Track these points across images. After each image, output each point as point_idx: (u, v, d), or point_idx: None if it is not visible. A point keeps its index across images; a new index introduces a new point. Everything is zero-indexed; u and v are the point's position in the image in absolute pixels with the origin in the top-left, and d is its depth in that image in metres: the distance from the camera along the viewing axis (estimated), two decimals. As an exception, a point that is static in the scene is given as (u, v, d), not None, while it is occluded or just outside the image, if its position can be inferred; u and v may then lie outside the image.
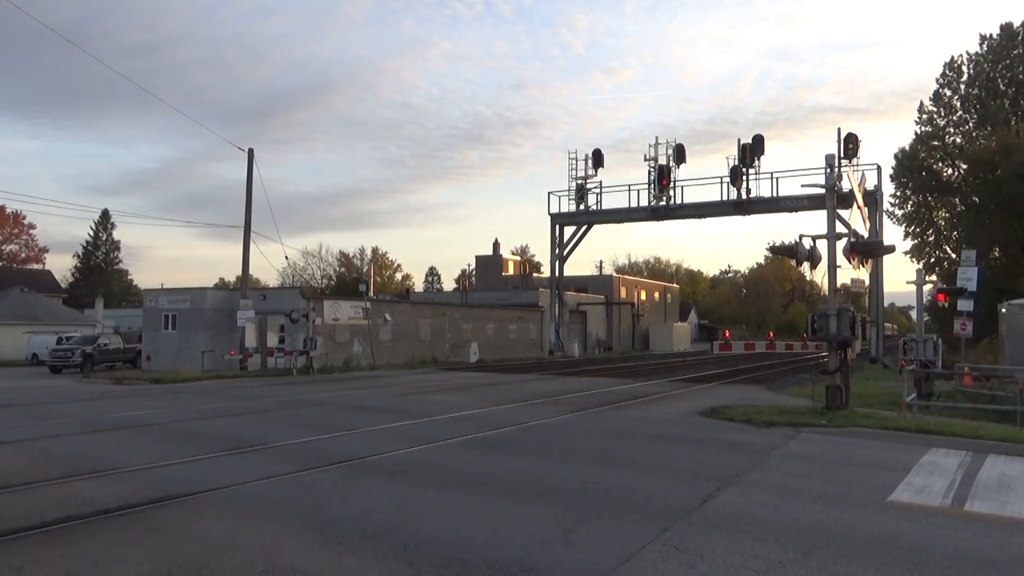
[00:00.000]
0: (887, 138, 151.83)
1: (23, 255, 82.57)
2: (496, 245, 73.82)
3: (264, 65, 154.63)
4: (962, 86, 48.38)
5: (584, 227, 44.22)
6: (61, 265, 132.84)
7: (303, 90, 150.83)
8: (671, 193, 40.34)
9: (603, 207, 42.87)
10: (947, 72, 48.73)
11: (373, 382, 24.64)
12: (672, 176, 40.23)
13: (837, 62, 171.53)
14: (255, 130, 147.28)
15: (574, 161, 42.65)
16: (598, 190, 42.56)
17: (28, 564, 5.58)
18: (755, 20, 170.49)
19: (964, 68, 48.22)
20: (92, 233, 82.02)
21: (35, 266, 79.50)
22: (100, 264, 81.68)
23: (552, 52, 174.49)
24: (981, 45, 47.59)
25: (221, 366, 31.27)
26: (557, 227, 44.11)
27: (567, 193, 43.04)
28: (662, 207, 40.63)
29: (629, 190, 41.71)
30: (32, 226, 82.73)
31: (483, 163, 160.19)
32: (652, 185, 40.49)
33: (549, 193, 43.72)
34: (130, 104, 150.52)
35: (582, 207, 42.88)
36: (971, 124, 48.21)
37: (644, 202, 41.02)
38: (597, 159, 42.38)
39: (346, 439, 11.89)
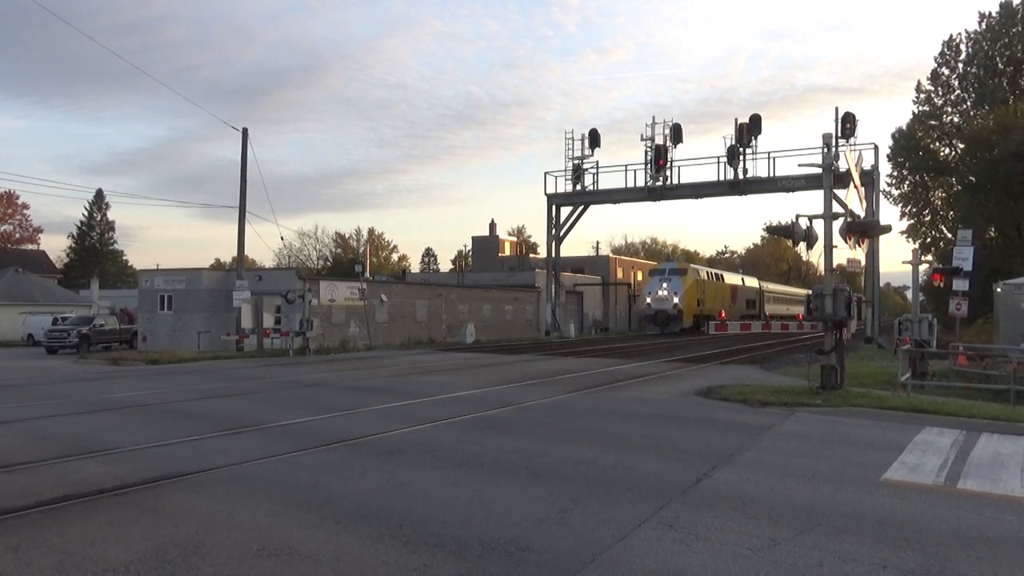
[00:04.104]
0: (881, 117, 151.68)
1: (17, 235, 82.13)
2: (492, 226, 73.67)
3: (255, 44, 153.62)
4: (960, 65, 48.17)
5: (581, 207, 44.15)
6: (56, 246, 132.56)
7: (294, 69, 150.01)
8: (668, 173, 40.29)
9: (600, 187, 42.79)
10: (945, 51, 48.49)
11: (369, 363, 24.67)
12: (669, 156, 40.12)
13: (830, 41, 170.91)
14: (247, 110, 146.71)
15: (570, 141, 42.51)
16: (595, 170, 42.51)
17: (25, 543, 5.58)
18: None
19: (962, 47, 47.99)
20: (87, 213, 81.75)
21: (30, 246, 79.10)
22: (95, 245, 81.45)
23: (544, 32, 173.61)
24: (980, 23, 47.34)
25: (218, 347, 31.27)
26: (554, 207, 44.03)
27: (563, 173, 42.95)
28: (659, 187, 40.56)
29: (626, 170, 41.67)
30: (26, 206, 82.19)
31: (477, 143, 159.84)
32: (649, 165, 40.42)
33: (546, 173, 43.65)
34: (121, 83, 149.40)
35: (579, 187, 42.81)
36: (969, 103, 48.07)
37: (641, 182, 40.98)
38: (593, 139, 42.26)
39: (342, 419, 11.91)
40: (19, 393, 16.44)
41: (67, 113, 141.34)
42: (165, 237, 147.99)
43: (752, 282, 66.50)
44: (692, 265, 55.26)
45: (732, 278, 61.56)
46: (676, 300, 47.65)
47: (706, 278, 53.69)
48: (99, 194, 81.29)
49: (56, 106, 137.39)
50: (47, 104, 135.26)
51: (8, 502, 6.70)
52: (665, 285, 48.39)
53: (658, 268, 53.50)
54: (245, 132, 32.24)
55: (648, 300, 49.40)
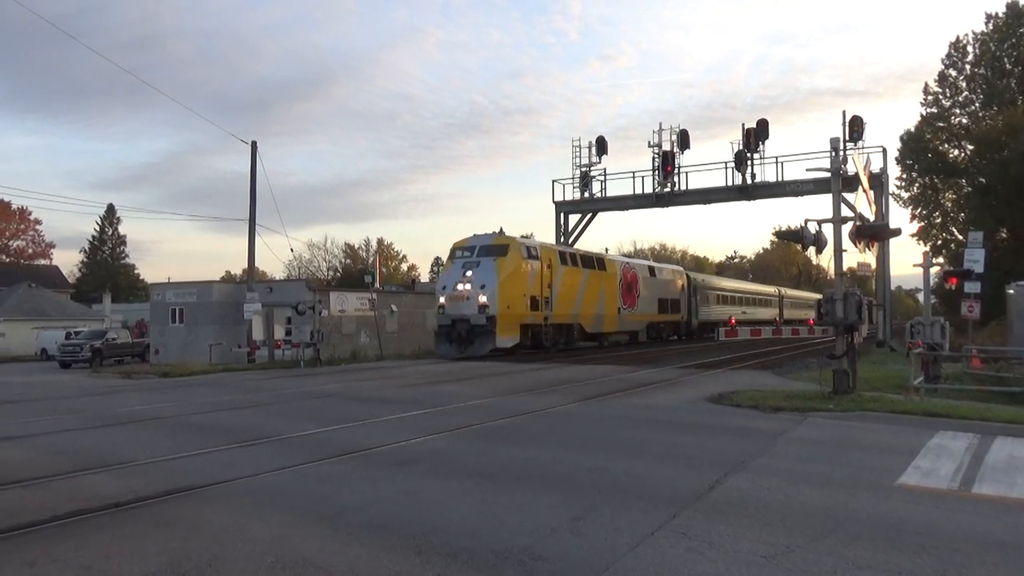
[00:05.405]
0: (887, 120, 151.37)
1: (30, 251, 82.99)
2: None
3: (261, 57, 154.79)
4: (967, 66, 48.06)
5: (589, 215, 44.15)
6: (68, 260, 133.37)
7: (300, 82, 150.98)
8: (675, 179, 40.26)
9: (607, 194, 42.80)
10: (952, 52, 48.42)
11: (380, 373, 24.69)
12: (676, 162, 40.13)
13: (833, 45, 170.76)
14: (254, 123, 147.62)
15: (577, 148, 42.54)
16: (602, 177, 42.48)
17: (40, 558, 5.62)
18: (749, 3, 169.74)
19: (969, 48, 47.88)
20: (98, 228, 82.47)
21: (42, 261, 79.87)
22: (107, 259, 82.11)
23: (547, 40, 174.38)
24: (987, 24, 47.30)
25: (229, 359, 31.41)
26: (562, 215, 44.04)
27: (571, 181, 42.97)
28: (667, 193, 40.54)
29: (633, 177, 41.61)
30: (38, 222, 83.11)
31: (483, 152, 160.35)
32: (656, 171, 40.40)
33: (553, 181, 43.56)
34: (128, 99, 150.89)
35: (586, 195, 42.80)
36: (977, 104, 47.94)
37: (648, 189, 40.96)
38: (600, 146, 42.27)
39: (354, 430, 11.93)
40: (33, 408, 16.55)
41: (76, 129, 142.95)
42: (176, 250, 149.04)
43: (673, 274, 47.11)
44: (524, 240, 32.20)
45: (628, 266, 40.50)
46: (484, 299, 28.37)
47: (554, 263, 32.21)
48: (110, 209, 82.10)
49: (64, 122, 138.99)
50: (56, 121, 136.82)
51: (24, 517, 6.74)
52: (468, 274, 29.19)
53: (463, 244, 31.32)
54: (254, 145, 32.46)
55: (441, 299, 29.90)
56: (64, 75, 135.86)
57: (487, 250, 30.08)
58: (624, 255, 51.12)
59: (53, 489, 7.97)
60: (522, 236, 32.46)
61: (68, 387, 22.66)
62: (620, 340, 39.56)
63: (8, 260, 77.05)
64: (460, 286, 29.25)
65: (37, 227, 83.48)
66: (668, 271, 47.07)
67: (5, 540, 6.10)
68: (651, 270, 43.55)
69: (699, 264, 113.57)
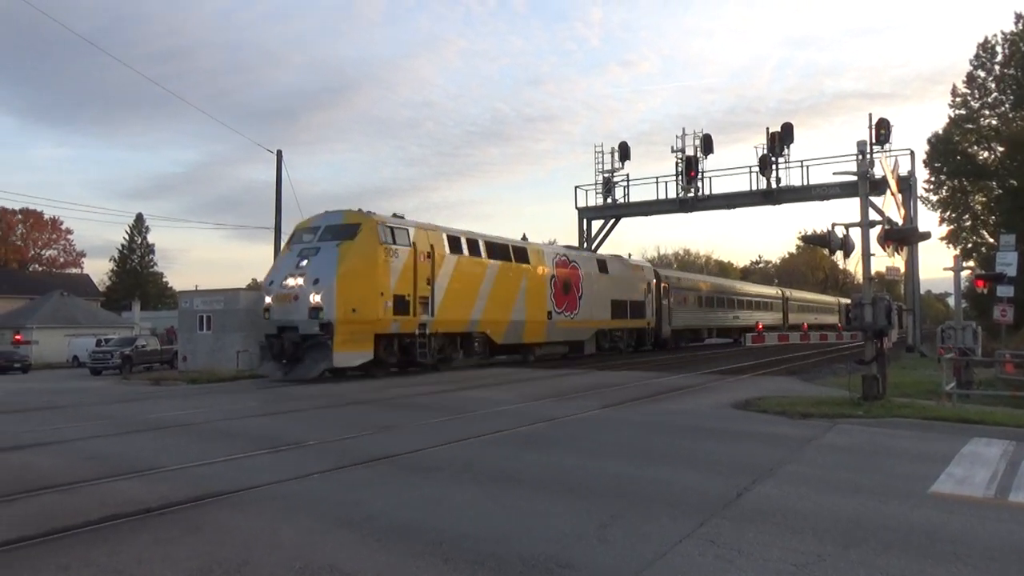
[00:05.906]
0: (915, 122, 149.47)
1: (62, 260, 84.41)
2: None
3: (285, 67, 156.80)
4: (996, 67, 47.30)
5: (612, 220, 44.08)
6: (98, 269, 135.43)
7: (324, 91, 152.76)
8: (699, 184, 40.10)
9: (631, 200, 42.71)
10: (980, 53, 47.67)
11: (404, 379, 24.75)
12: (699, 167, 39.97)
13: (858, 47, 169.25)
14: (279, 132, 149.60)
15: (600, 154, 42.52)
16: (625, 183, 42.42)
17: (74, 562, 5.71)
18: (771, 8, 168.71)
19: (999, 48, 47.12)
20: (127, 237, 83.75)
21: (73, 270, 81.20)
22: (136, 267, 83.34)
23: (568, 47, 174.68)
24: (1016, 24, 46.48)
25: (256, 365, 31.63)
26: (585, 221, 44.02)
27: (594, 187, 42.95)
28: (691, 198, 40.38)
29: (657, 182, 41.54)
30: (69, 231, 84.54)
31: (504, 159, 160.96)
32: (680, 177, 40.25)
33: (576, 187, 43.61)
34: (154, 110, 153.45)
35: (609, 200, 42.76)
36: (1007, 105, 47.14)
37: (672, 194, 40.83)
38: (623, 152, 42.23)
39: (380, 436, 11.98)
40: (65, 414, 16.81)
41: (104, 140, 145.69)
42: (203, 258, 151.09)
43: (633, 270, 39.41)
44: (387, 219, 24.61)
45: (565, 259, 33.05)
46: (317, 299, 21.98)
47: (438, 250, 25.29)
48: (139, 218, 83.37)
49: (91, 134, 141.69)
50: (82, 132, 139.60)
51: (58, 521, 6.85)
52: (303, 264, 22.74)
53: (307, 225, 24.70)
54: (279, 154, 32.82)
55: (267, 300, 23.58)
56: (92, 87, 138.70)
57: (332, 232, 23.18)
58: (647, 260, 50.10)
59: (85, 494, 8.09)
60: (394, 215, 25.34)
61: (99, 393, 22.99)
62: (554, 352, 32.25)
63: (41, 269, 78.53)
64: (290, 281, 22.62)
65: (68, 236, 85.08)
66: (626, 267, 39.04)
67: (40, 544, 6.20)
68: (601, 265, 36.05)
69: (723, 269, 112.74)
